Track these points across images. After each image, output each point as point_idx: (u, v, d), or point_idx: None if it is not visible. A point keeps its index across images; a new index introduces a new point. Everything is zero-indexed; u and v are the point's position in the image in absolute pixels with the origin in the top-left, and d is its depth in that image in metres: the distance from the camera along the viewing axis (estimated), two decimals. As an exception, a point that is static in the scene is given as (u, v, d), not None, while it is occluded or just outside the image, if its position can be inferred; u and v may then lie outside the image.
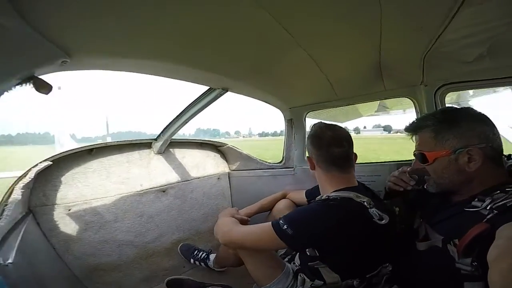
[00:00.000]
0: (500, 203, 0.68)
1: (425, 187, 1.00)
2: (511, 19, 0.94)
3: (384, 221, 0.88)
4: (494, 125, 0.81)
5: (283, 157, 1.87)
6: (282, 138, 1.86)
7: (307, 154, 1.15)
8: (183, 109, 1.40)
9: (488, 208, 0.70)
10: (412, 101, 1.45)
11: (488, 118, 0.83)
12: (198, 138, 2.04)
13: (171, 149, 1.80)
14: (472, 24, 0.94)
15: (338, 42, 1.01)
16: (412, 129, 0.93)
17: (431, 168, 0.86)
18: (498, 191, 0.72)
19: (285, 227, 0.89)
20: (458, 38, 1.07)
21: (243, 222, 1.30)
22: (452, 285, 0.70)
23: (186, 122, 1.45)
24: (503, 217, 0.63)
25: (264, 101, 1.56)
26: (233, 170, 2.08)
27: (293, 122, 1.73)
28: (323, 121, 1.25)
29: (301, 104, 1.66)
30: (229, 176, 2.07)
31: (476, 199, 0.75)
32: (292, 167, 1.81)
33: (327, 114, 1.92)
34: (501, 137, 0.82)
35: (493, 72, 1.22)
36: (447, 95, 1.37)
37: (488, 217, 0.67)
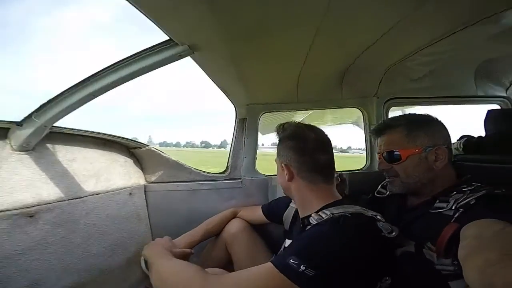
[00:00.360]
0: (464, 201, 0.70)
1: (375, 194, 1.03)
2: (458, 45, 1.07)
3: (394, 233, 0.75)
4: None
5: (227, 166, 1.51)
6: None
7: (283, 162, 0.89)
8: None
9: (453, 208, 0.71)
10: (362, 112, 1.50)
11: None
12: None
13: (49, 145, 1.07)
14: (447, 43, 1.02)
15: (338, 34, 0.89)
16: (382, 128, 0.93)
17: (401, 167, 0.86)
18: (455, 192, 0.75)
19: (302, 267, 0.61)
20: (422, 55, 1.15)
21: (185, 256, 0.94)
22: (437, 286, 0.70)
23: (99, 94, 0.85)
24: (469, 214, 0.66)
25: (222, 88, 1.19)
26: (153, 182, 1.50)
27: (247, 122, 1.43)
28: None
29: (261, 101, 1.40)
30: (145, 190, 1.46)
31: (438, 201, 0.77)
32: (240, 178, 1.47)
33: (266, 121, 1.74)
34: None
35: (429, 91, 1.41)
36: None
37: (456, 216, 0.69)
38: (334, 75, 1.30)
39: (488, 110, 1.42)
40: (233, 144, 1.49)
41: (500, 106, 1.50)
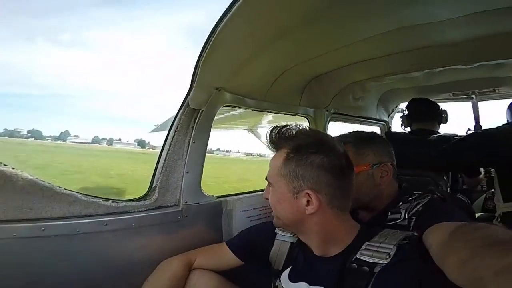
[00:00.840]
0: (413, 210, 0.80)
1: None
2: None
3: None
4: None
5: (152, 188, 0.91)
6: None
7: (308, 188, 0.64)
8: None
9: (406, 217, 0.80)
10: (310, 122, 1.43)
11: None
12: None
13: None
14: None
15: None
16: None
17: None
18: (401, 203, 0.84)
19: None
20: (372, 81, 1.26)
21: None
22: None
23: None
24: (421, 221, 0.75)
25: (206, 51, 0.65)
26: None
27: (201, 116, 0.92)
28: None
29: (231, 89, 0.93)
30: None
31: (390, 213, 0.84)
32: (177, 205, 0.93)
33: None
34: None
35: (354, 111, 1.56)
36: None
37: (412, 225, 0.77)
38: (302, 81, 1.22)
39: (386, 132, 1.79)
40: (167, 151, 0.91)
41: (380, 129, 1.95)
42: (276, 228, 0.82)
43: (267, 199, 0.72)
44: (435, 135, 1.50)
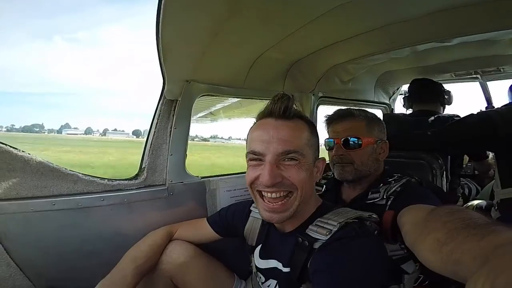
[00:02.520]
0: (392, 190, 0.83)
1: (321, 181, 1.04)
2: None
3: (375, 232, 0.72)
4: None
5: (142, 168, 1.05)
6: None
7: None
8: None
9: (384, 197, 0.83)
10: (295, 107, 1.47)
11: None
12: None
13: None
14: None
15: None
16: (344, 115, 0.96)
17: (358, 154, 0.91)
18: (382, 184, 0.87)
19: None
20: (357, 63, 1.24)
21: None
22: (391, 271, 0.73)
23: None
24: (399, 200, 0.78)
25: (167, 47, 0.74)
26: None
27: (178, 106, 1.03)
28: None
29: (204, 79, 1.03)
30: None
31: (370, 192, 0.87)
32: (163, 184, 1.07)
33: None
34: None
35: (346, 94, 1.56)
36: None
37: (389, 204, 0.80)
38: (282, 67, 1.24)
39: (384, 114, 1.74)
40: (152, 137, 1.04)
41: (382, 111, 1.90)
42: (252, 206, 0.89)
43: (279, 180, 0.63)
44: (434, 116, 1.44)
